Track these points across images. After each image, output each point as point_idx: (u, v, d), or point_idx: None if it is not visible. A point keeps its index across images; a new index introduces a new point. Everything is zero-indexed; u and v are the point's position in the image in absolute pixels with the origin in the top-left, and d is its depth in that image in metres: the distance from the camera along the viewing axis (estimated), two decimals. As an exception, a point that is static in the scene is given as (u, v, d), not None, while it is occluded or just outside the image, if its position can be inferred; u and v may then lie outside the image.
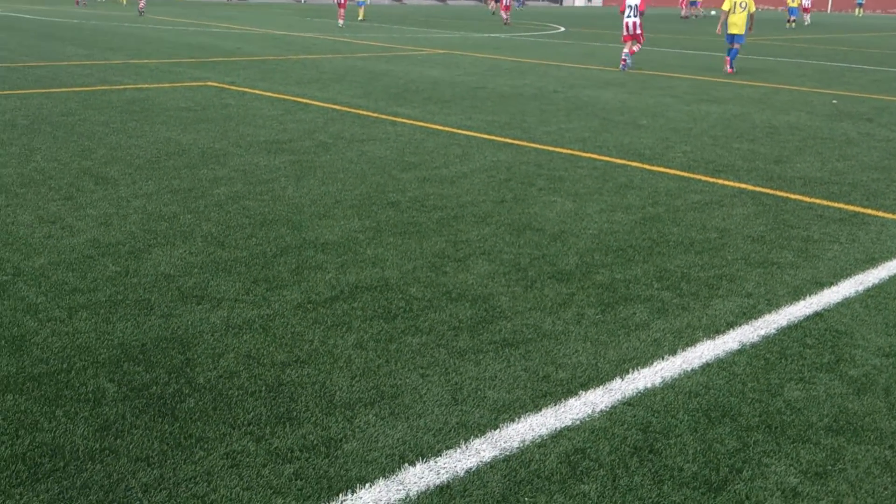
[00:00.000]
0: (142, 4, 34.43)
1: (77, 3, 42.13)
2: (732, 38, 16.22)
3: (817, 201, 6.29)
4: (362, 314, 3.93)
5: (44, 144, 7.48)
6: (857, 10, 64.07)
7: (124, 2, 47.14)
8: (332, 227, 5.28)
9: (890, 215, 5.96)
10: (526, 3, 53.72)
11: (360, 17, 35.13)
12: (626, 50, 16.56)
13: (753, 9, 16.11)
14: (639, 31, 16.52)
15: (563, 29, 32.48)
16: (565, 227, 5.47)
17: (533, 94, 12.15)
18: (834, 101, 12.01)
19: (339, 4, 30.17)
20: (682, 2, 51.48)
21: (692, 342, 3.74)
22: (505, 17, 35.00)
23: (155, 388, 3.16)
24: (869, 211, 6.06)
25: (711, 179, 6.92)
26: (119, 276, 4.30)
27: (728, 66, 16.33)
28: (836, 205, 6.20)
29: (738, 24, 16.07)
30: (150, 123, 8.72)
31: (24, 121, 8.62)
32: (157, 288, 4.15)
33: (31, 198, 5.72)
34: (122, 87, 11.53)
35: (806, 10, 45.10)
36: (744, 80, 14.71)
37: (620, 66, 16.49)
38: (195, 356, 3.43)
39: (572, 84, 13.47)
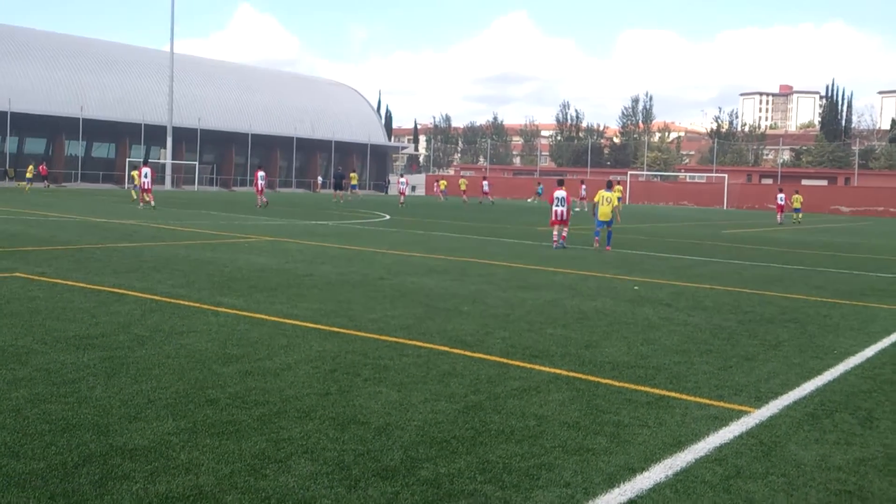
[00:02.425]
0: None
1: None
2: (601, 223, 20.52)
3: (626, 385, 6.65)
4: (172, 529, 3.65)
5: None
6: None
7: (27, 189, 46.14)
8: (142, 431, 4.98)
9: (692, 398, 6.38)
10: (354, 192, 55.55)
11: (133, 199, 36.36)
12: (555, 232, 20.43)
13: (616, 202, 21.44)
14: (565, 218, 20.30)
15: (388, 217, 33.72)
16: (390, 419, 5.45)
17: (359, 280, 12.36)
18: (636, 287, 13.00)
19: (144, 189, 32.94)
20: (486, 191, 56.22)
21: (515, 538, 3.73)
22: (260, 200, 36.71)
23: None
24: (673, 394, 6.46)
25: (529, 365, 7.19)
26: None
27: (604, 245, 20.25)
28: (643, 388, 6.58)
29: (605, 213, 20.46)
30: (-56, 319, 8.07)
31: None
32: (-68, 512, 3.70)
33: None
34: (-86, 278, 10.69)
35: (583, 198, 52.01)
36: (555, 268, 15.70)
37: (553, 245, 20.22)
38: (-28, 593, 3.03)
39: (398, 271, 13.85)
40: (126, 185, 33.87)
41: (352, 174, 57.71)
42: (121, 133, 72.28)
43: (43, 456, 4.48)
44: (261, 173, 38.06)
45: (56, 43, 73.49)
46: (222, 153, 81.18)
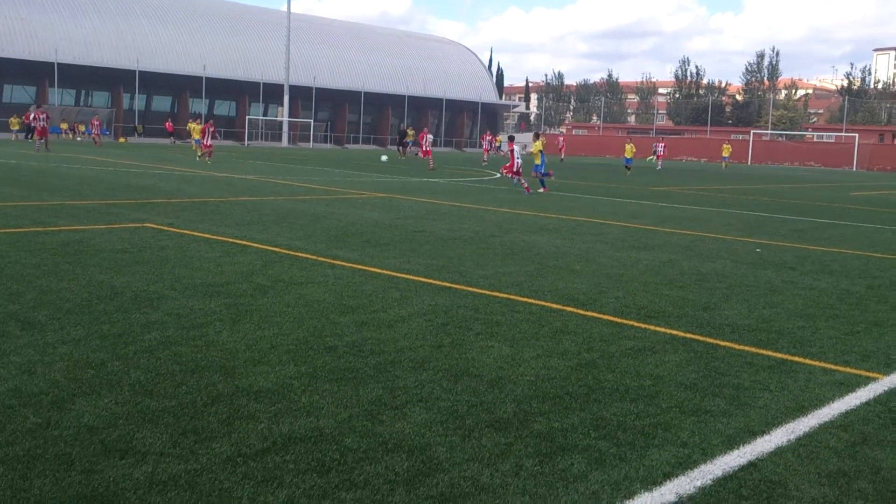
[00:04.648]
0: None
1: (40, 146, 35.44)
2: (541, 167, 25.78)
3: (746, 348, 6.45)
4: (295, 468, 3.81)
5: (-30, 286, 7.28)
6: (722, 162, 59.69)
7: (198, 155, 34.73)
8: (266, 374, 5.18)
9: (816, 363, 6.13)
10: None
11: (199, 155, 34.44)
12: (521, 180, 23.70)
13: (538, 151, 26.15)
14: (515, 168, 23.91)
15: (498, 175, 33.60)
16: (503, 372, 5.48)
17: (470, 237, 12.40)
18: (758, 250, 12.53)
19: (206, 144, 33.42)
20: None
21: (630, 494, 3.71)
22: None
23: (69, 552, 2.97)
24: (796, 358, 6.22)
25: (643, 325, 7.07)
26: (40, 428, 4.11)
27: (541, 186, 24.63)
28: (764, 352, 6.36)
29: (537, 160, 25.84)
30: (83, 266, 8.60)
31: (-49, 261, 8.41)
32: (79, 441, 3.97)
33: (-48, 343, 5.51)
34: (56, 228, 11.41)
35: (659, 157, 51.27)
36: (671, 229, 15.31)
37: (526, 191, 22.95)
38: (115, 516, 3.25)
39: (508, 229, 13.83)
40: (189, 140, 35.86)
41: (408, 130, 57.83)
42: (240, 91, 74.61)
43: (174, 395, 4.73)
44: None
45: (181, 4, 76.14)
46: (336, 111, 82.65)
